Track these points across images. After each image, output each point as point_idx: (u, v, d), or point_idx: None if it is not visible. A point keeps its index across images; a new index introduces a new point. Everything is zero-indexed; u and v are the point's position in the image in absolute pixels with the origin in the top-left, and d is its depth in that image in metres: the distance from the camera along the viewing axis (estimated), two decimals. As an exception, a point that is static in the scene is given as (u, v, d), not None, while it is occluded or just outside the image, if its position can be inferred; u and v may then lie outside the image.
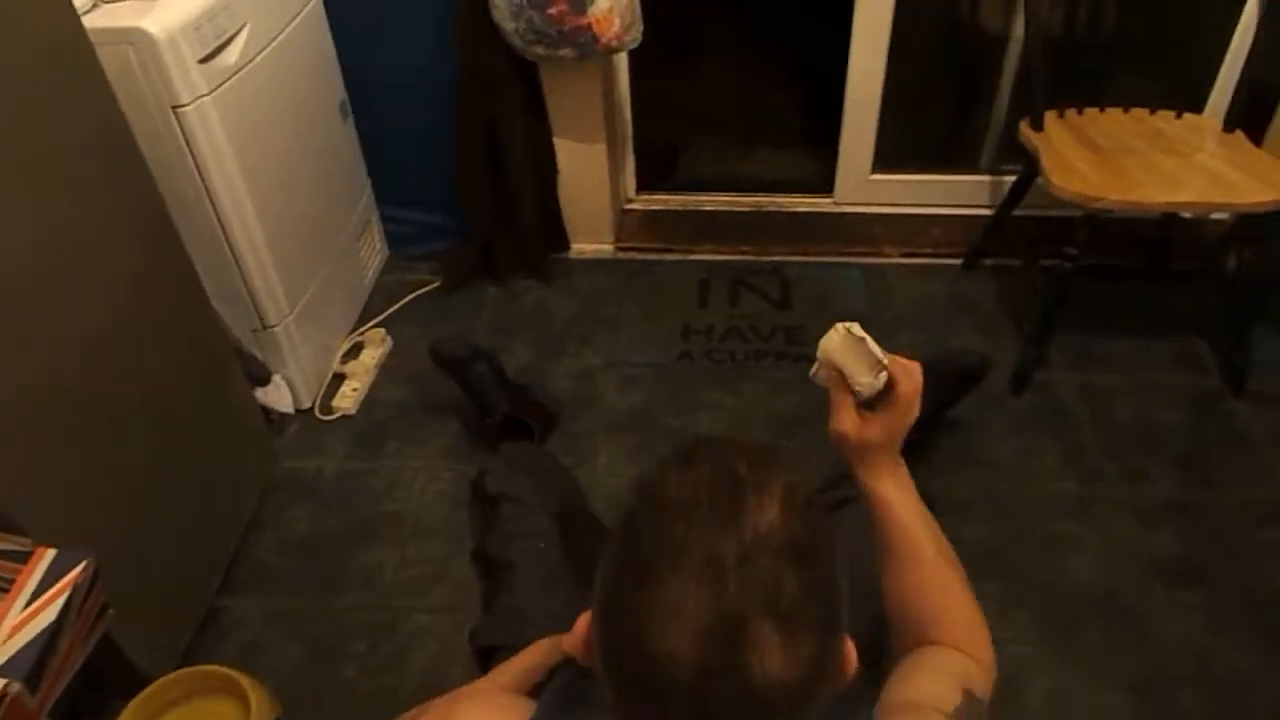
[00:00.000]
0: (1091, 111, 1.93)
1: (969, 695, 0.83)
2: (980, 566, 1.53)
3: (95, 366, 1.21)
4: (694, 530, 0.57)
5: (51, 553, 1.05)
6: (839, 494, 1.46)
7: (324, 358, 1.96)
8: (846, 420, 0.95)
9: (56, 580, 1.03)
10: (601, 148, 2.13)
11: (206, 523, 1.52)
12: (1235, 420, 1.79)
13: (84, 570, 1.04)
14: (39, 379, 1.12)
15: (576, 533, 1.47)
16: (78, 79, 1.20)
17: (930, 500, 1.59)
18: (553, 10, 1.73)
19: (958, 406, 1.73)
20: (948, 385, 1.69)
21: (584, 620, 0.65)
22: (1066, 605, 1.48)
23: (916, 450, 1.65)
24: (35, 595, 1.01)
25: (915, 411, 0.96)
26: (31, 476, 1.11)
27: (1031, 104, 1.86)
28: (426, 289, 2.20)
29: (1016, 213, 2.05)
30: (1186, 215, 2.09)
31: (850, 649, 0.61)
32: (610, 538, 0.63)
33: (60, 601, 1.01)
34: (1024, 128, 1.87)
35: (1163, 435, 1.77)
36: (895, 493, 0.95)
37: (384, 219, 2.26)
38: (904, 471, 0.97)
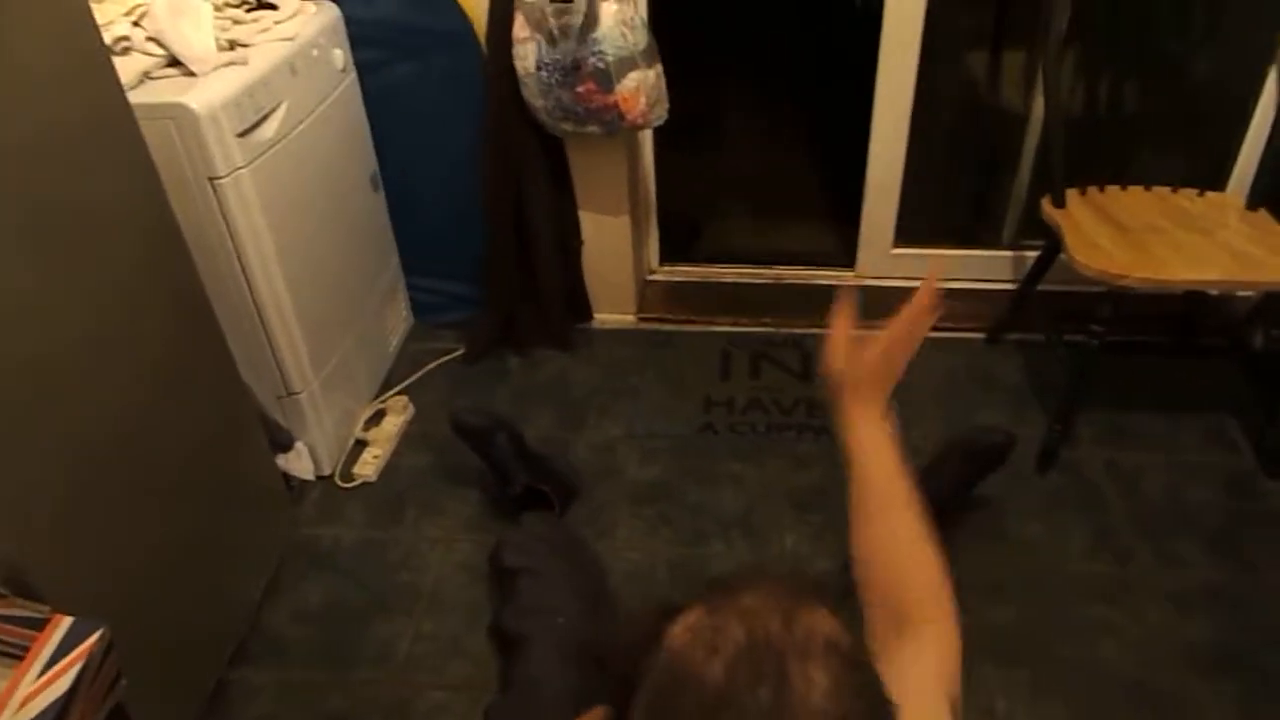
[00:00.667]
0: (1113, 189, 1.94)
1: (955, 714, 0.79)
2: (1011, 651, 1.49)
3: (121, 433, 1.22)
4: None
5: (68, 621, 1.04)
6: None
7: (346, 424, 1.97)
8: (840, 350, 0.92)
9: (71, 649, 1.02)
10: (625, 220, 2.17)
11: (222, 590, 1.51)
12: (1270, 500, 1.75)
13: (99, 640, 1.03)
14: (64, 445, 1.12)
15: (595, 608, 1.44)
16: (120, 151, 1.24)
17: (957, 582, 1.57)
18: (581, 89, 1.78)
19: (983, 484, 1.70)
20: (973, 462, 1.67)
21: None
22: (1100, 693, 1.43)
23: (942, 528, 1.62)
24: (50, 664, 1.00)
25: (916, 343, 0.93)
26: (51, 542, 1.11)
27: (1052, 182, 1.87)
28: (449, 357, 2.21)
29: (1040, 288, 2.05)
30: (1213, 292, 2.08)
31: None
32: (644, 715, 0.56)
33: (74, 671, 1.00)
34: (1046, 205, 1.88)
35: (1195, 515, 1.73)
36: (882, 437, 0.91)
37: (410, 288, 2.30)
38: (891, 421, 0.93)
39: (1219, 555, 1.65)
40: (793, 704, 0.52)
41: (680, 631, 0.57)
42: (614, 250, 2.22)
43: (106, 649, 1.05)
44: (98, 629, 1.04)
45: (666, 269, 2.50)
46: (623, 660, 0.61)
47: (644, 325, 2.32)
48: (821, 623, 0.56)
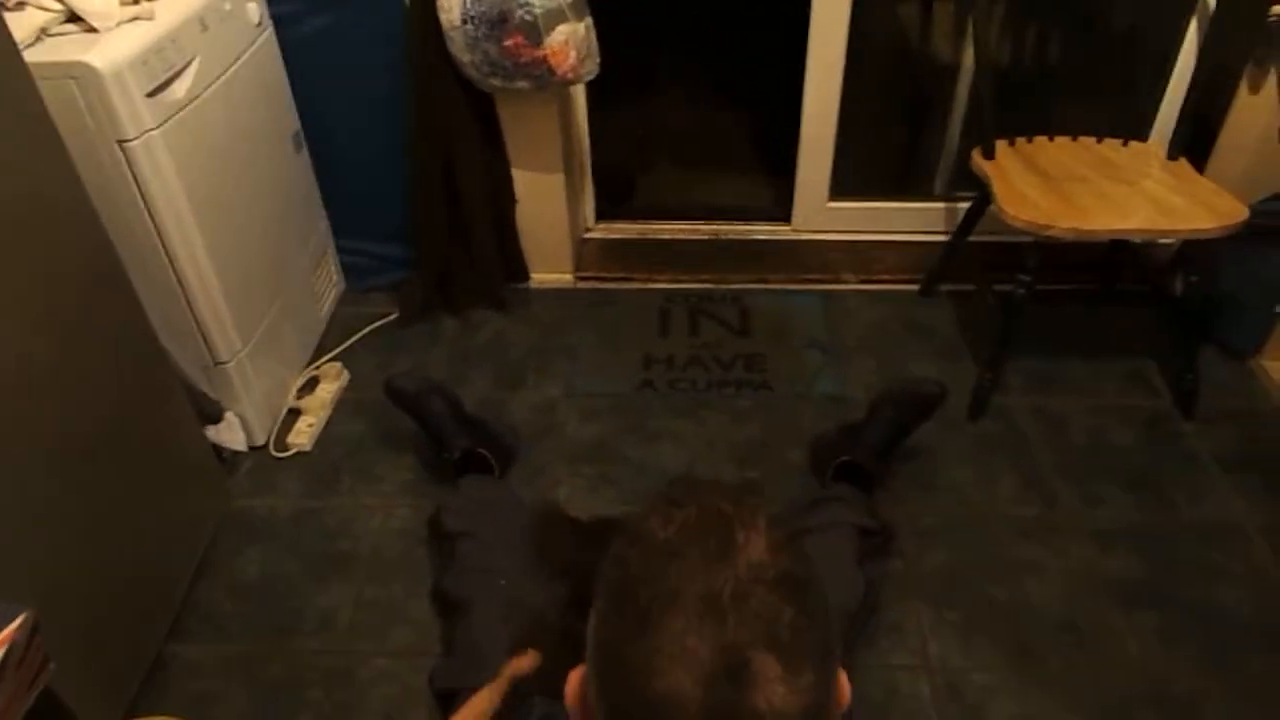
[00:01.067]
0: (1040, 140, 1.96)
1: None
2: (943, 594, 1.54)
3: (32, 406, 1.17)
4: (688, 570, 0.57)
5: (-13, 606, 1.01)
6: (799, 524, 1.47)
7: (279, 393, 1.92)
8: None
9: (-8, 635, 0.99)
10: (559, 178, 2.13)
11: (154, 566, 1.47)
12: (1186, 441, 1.83)
13: (21, 625, 0.99)
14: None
15: (536, 569, 1.45)
16: (16, 113, 1.16)
17: (891, 527, 1.62)
18: (509, 42, 1.73)
19: (917, 433, 1.74)
20: (906, 412, 1.70)
21: (575, 678, 0.63)
22: (1028, 630, 1.49)
23: (877, 477, 1.66)
24: (-32, 652, 0.97)
25: None
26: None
27: (982, 133, 1.89)
28: (383, 321, 2.17)
29: (971, 238, 2.08)
30: (1136, 240, 2.13)
31: (844, 679, 0.61)
32: (599, 589, 0.62)
33: (-4, 658, 0.97)
34: (976, 156, 1.90)
35: (1117, 458, 1.79)
36: None
37: (340, 251, 2.24)
38: None
39: (1139, 495, 1.71)
40: (733, 557, 0.58)
41: (642, 515, 0.63)
42: (549, 208, 2.19)
43: (31, 633, 1.02)
44: (20, 613, 1.00)
45: (603, 226, 2.47)
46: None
47: (581, 284, 2.31)
48: (766, 507, 0.63)
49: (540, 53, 1.74)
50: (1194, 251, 1.91)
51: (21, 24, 1.34)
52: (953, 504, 1.70)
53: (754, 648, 0.54)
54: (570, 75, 1.80)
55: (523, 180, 2.13)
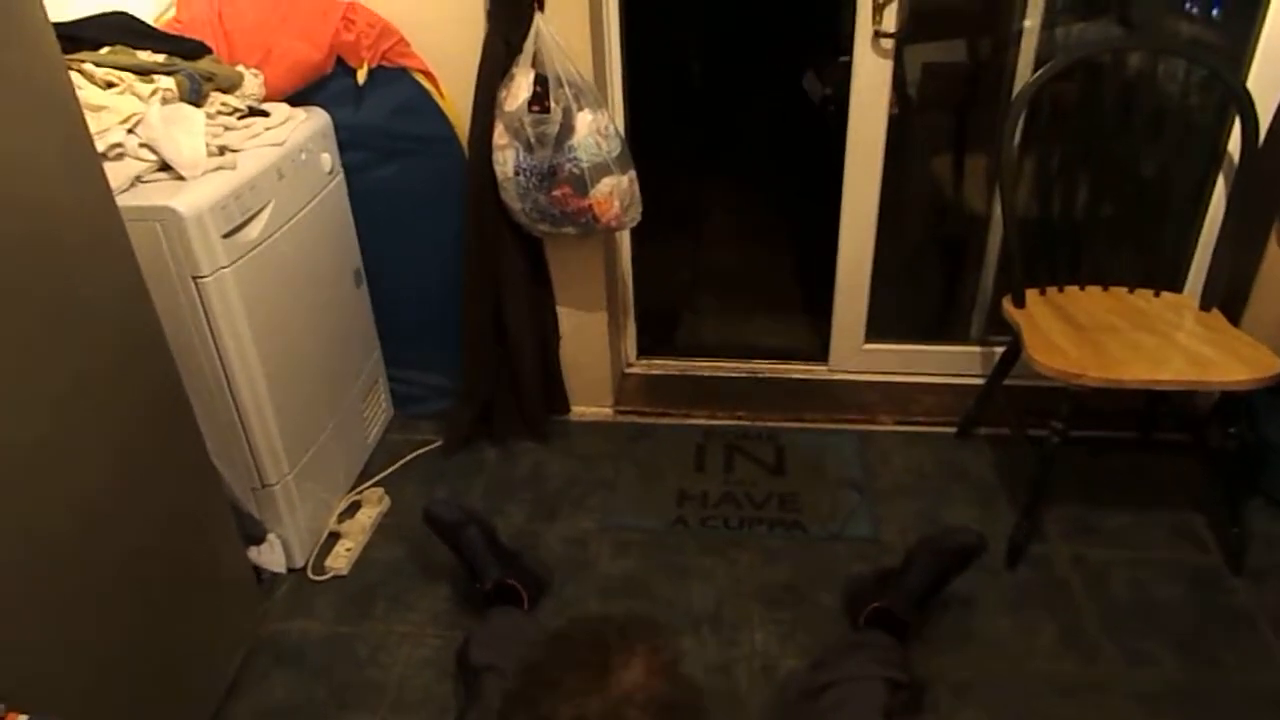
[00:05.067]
0: (1072, 289, 2.00)
1: None
2: (975, 753, 1.48)
3: (84, 525, 1.22)
4: (563, 695, 0.65)
5: (22, 719, 1.04)
6: (822, 678, 1.44)
7: (321, 516, 1.97)
8: None
9: (24, 748, 1.01)
10: (602, 315, 2.22)
11: (184, 686, 1.49)
12: (1235, 598, 1.76)
13: (53, 739, 1.02)
14: (22, 535, 1.12)
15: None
16: (104, 251, 1.28)
17: (922, 682, 1.57)
18: (557, 193, 1.85)
19: (954, 583, 1.71)
20: (944, 561, 1.68)
21: None
22: (1069, 797, 1.42)
23: (911, 626, 1.63)
24: (1, 764, 0.99)
25: None
26: (3, 634, 1.10)
27: (1012, 283, 1.94)
28: (427, 449, 2.24)
29: (1007, 382, 2.10)
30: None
31: None
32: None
33: (25, 771, 0.99)
34: (1006, 305, 1.94)
35: (1162, 613, 1.74)
36: None
37: (391, 379, 2.33)
38: None
39: (1186, 653, 1.65)
40: (606, 683, 0.65)
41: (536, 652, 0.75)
42: (592, 344, 2.27)
43: (61, 749, 1.04)
44: (52, 728, 1.03)
45: (644, 362, 2.54)
46: None
47: (620, 418, 2.36)
48: (654, 636, 0.72)
49: (586, 202, 1.86)
50: (1232, 403, 1.89)
51: (118, 172, 1.49)
52: (989, 657, 1.66)
53: None
54: (614, 223, 1.91)
55: (567, 317, 2.22)
